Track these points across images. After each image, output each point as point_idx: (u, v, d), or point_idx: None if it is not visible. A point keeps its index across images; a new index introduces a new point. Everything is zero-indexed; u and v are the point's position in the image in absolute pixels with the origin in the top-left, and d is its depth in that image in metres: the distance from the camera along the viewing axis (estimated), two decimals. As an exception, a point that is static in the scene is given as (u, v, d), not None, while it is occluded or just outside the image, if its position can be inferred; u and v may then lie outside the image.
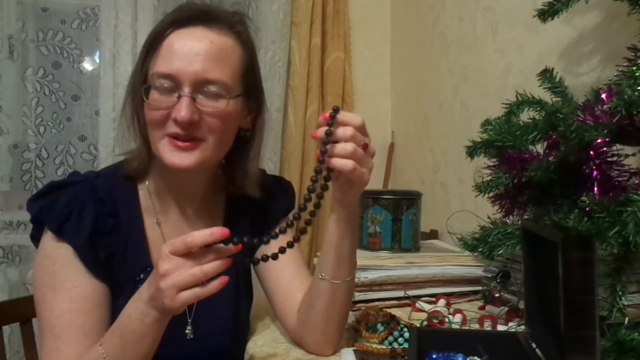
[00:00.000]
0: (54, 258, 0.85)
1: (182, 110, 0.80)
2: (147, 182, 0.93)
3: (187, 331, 0.92)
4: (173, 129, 0.82)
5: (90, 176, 0.92)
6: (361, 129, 0.77)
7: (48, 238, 0.86)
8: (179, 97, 0.81)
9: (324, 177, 0.76)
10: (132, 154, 0.91)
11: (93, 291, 0.85)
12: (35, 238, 0.89)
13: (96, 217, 0.86)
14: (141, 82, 0.85)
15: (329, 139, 0.75)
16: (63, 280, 0.84)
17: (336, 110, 0.77)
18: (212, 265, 0.70)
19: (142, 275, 0.89)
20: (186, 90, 0.81)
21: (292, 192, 1.09)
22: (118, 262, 0.88)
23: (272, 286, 0.99)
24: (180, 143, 0.82)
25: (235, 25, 0.88)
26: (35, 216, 0.86)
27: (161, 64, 0.82)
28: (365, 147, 0.77)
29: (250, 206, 1.01)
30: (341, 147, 0.75)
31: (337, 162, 0.75)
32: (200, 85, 0.82)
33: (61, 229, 0.84)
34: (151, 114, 0.83)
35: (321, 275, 0.86)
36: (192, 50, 0.81)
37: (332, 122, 0.76)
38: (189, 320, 0.92)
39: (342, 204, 0.82)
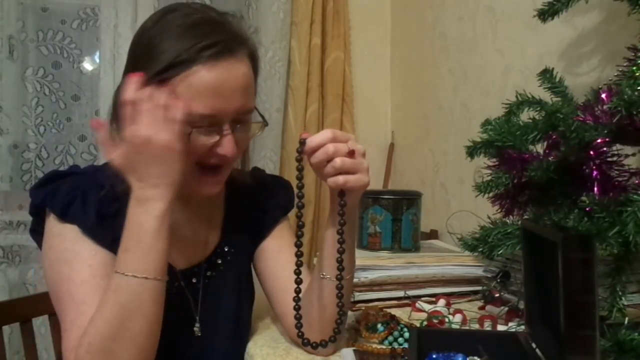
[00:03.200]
0: (63, 235, 0.84)
1: (229, 149, 0.82)
2: None
3: (195, 329, 0.93)
4: (213, 161, 0.83)
5: (90, 169, 0.93)
6: (337, 139, 0.77)
7: (52, 221, 0.85)
8: (220, 134, 0.82)
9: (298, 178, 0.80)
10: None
11: (112, 260, 0.83)
12: (36, 232, 0.89)
13: (100, 201, 0.85)
14: None
15: (301, 164, 0.79)
16: (77, 252, 0.83)
17: (302, 143, 0.78)
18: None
19: None
20: (226, 126, 0.82)
21: (291, 191, 1.09)
22: None
23: (272, 285, 0.99)
24: (214, 177, 0.86)
25: (249, 45, 0.86)
26: (38, 204, 0.86)
27: (200, 105, 0.79)
28: (351, 154, 0.78)
29: (249, 204, 1.01)
30: (330, 166, 0.77)
31: (330, 182, 0.78)
32: (236, 119, 0.83)
33: (66, 212, 0.84)
34: (190, 151, 0.81)
35: (322, 274, 0.86)
36: (231, 87, 0.80)
37: (301, 157, 0.78)
38: (197, 318, 0.93)
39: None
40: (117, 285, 0.76)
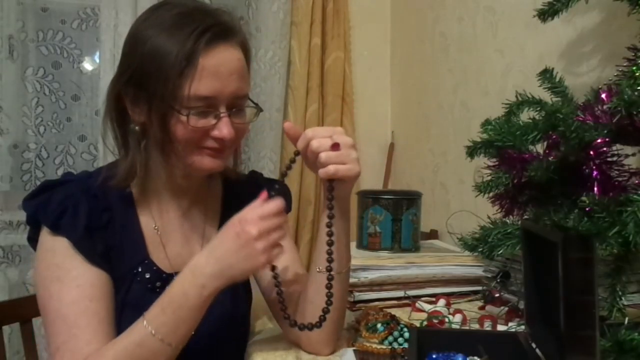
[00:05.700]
0: (54, 250, 0.85)
1: (226, 131, 0.84)
2: (138, 181, 0.94)
3: None
4: (212, 144, 0.86)
5: (83, 175, 0.94)
6: (318, 136, 0.81)
7: (45, 234, 0.86)
8: (218, 117, 0.84)
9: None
10: (124, 170, 0.89)
11: (99, 280, 0.85)
12: (32, 240, 0.90)
13: (90, 212, 0.86)
14: (169, 103, 0.82)
15: (287, 171, 0.86)
16: (67, 269, 0.84)
17: (297, 154, 0.84)
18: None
19: (139, 268, 0.89)
20: (222, 109, 0.84)
21: (288, 195, 1.09)
22: (115, 255, 0.88)
23: (269, 286, 0.99)
24: (215, 154, 0.87)
25: (242, 34, 0.89)
26: (30, 215, 0.87)
27: (199, 87, 0.81)
28: (335, 146, 0.80)
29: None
30: (318, 161, 0.80)
31: (320, 172, 0.81)
32: (232, 104, 0.86)
33: (57, 225, 0.84)
34: (189, 134, 0.84)
35: (318, 268, 0.87)
36: (227, 70, 0.83)
37: (290, 165, 0.85)
38: None
39: (336, 199, 0.83)
40: (142, 340, 0.79)
